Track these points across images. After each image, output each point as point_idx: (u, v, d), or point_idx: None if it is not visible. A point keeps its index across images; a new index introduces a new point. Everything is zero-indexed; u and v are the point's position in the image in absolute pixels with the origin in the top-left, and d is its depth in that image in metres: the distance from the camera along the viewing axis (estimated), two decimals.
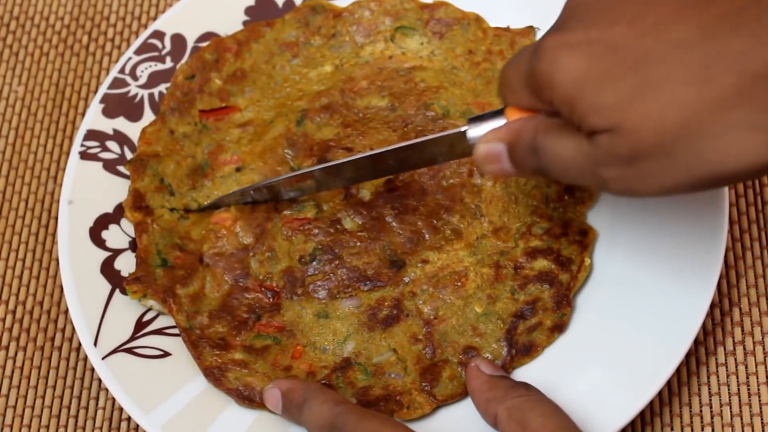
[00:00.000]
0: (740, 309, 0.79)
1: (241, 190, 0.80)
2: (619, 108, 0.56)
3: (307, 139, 0.83)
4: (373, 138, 0.82)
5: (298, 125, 0.84)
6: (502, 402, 0.67)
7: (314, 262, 0.78)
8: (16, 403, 0.80)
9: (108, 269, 0.78)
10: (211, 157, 0.83)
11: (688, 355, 0.77)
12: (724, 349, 0.77)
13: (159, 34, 0.87)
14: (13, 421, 0.79)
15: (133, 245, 0.80)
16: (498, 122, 0.66)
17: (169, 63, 0.86)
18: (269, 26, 0.88)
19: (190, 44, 0.87)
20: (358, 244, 0.78)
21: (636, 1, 0.58)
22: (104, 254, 0.79)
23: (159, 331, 0.77)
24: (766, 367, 0.76)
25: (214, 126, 0.85)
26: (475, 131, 0.67)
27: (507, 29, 0.86)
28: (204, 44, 0.87)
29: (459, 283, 0.77)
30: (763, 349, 0.77)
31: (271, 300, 0.78)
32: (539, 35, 0.85)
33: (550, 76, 0.59)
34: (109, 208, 0.81)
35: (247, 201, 0.80)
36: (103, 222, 0.80)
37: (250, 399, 0.73)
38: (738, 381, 0.76)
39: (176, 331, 0.77)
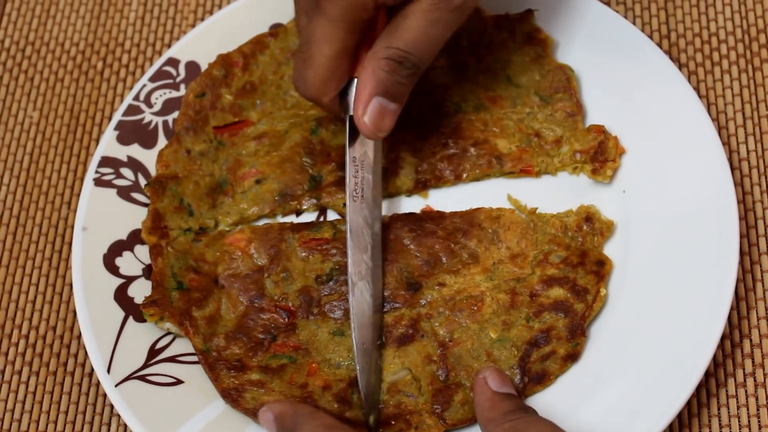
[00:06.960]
0: (751, 341, 0.79)
1: None
2: None
3: (324, 146, 0.84)
4: (389, 138, 0.82)
5: (314, 133, 0.84)
6: (500, 424, 0.68)
7: (331, 282, 0.79)
8: (29, 428, 0.80)
9: (121, 296, 0.79)
10: (230, 172, 0.83)
11: (698, 387, 0.77)
12: (735, 380, 0.77)
13: (173, 62, 0.87)
14: None
15: (147, 272, 0.80)
16: None
17: (183, 90, 0.86)
18: (273, 36, 0.88)
19: None
20: None
21: None
22: (118, 281, 0.79)
23: (172, 359, 0.77)
24: None
25: (229, 141, 0.85)
26: None
27: (506, 16, 0.86)
28: None
29: (475, 308, 0.77)
30: None
31: (286, 320, 0.78)
32: (538, 17, 0.86)
33: None
34: (123, 235, 0.81)
35: None
36: (117, 249, 0.80)
37: None
38: (748, 413, 0.76)
39: (189, 358, 0.77)
